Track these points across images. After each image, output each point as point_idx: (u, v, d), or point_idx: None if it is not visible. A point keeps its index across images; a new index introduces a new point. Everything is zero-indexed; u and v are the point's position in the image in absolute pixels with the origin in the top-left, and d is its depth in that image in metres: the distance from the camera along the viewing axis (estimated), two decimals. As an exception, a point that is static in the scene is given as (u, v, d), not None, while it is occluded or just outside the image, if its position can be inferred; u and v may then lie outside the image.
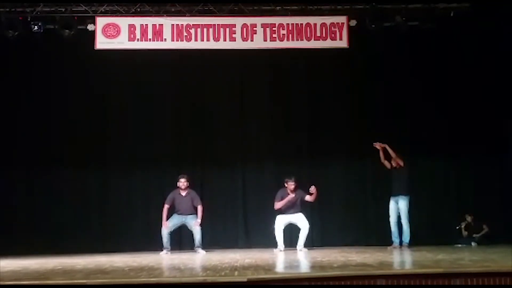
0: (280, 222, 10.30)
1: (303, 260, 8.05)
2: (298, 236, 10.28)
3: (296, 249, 10.12)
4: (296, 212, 10.34)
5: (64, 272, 6.80)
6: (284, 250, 10.05)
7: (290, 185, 10.34)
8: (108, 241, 10.97)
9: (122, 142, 11.51)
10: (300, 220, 10.28)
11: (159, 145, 11.53)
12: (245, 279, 5.63)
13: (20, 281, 5.91)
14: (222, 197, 11.47)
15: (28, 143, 11.25)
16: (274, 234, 10.28)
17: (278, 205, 10.32)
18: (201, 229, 10.27)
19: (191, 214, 10.30)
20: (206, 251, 10.05)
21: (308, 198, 10.31)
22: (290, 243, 10.50)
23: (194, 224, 10.20)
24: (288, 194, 10.35)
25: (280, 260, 8.20)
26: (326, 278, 5.83)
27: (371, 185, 11.57)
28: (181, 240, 10.89)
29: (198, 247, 10.15)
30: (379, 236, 11.05)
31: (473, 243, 10.66)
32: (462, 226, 10.99)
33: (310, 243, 11.03)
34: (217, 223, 11.19)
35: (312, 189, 10.20)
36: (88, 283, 5.70)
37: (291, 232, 10.65)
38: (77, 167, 11.30)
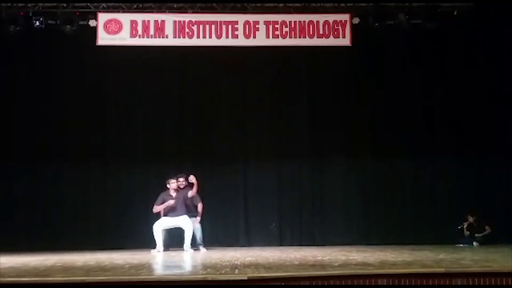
0: (161, 224, 10.02)
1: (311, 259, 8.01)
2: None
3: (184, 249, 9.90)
4: (180, 214, 10.06)
5: (64, 269, 6.77)
6: (163, 251, 9.80)
7: (172, 183, 10.14)
8: (108, 238, 10.95)
9: (122, 138, 11.49)
10: (183, 223, 10.02)
11: (160, 142, 11.50)
12: (245, 277, 5.61)
13: (20, 278, 5.88)
14: (223, 196, 11.43)
15: (28, 139, 11.21)
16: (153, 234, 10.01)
17: (156, 208, 10.10)
18: (202, 227, 10.25)
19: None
20: (206, 249, 10.02)
21: (190, 193, 10.06)
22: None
23: (194, 222, 10.14)
24: (169, 195, 10.12)
25: (283, 258, 8.15)
26: (327, 277, 5.81)
27: (372, 184, 11.53)
28: (181, 237, 10.85)
29: (200, 244, 10.12)
30: (380, 235, 11.05)
31: (474, 243, 10.63)
32: (464, 226, 10.95)
33: (311, 242, 11.05)
34: (218, 221, 11.16)
35: (191, 178, 9.92)
36: (88, 280, 5.67)
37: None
38: (77, 164, 11.26)
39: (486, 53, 11.33)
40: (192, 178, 9.93)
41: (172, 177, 10.24)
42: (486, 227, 10.86)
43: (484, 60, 11.38)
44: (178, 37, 10.55)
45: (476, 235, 10.82)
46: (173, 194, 10.19)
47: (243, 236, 11.29)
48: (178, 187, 10.25)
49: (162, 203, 10.12)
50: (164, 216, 10.11)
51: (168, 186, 10.20)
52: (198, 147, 11.55)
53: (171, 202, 10.04)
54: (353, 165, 11.60)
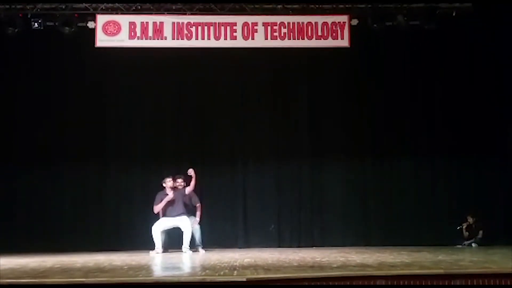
0: (160, 225, 9.97)
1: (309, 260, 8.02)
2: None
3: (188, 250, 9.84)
4: (178, 214, 10.02)
5: (62, 270, 6.78)
6: (162, 253, 9.75)
7: (168, 182, 10.07)
8: (107, 240, 10.95)
9: (121, 139, 11.48)
10: (182, 223, 9.97)
11: (159, 143, 11.50)
12: (244, 279, 5.62)
13: (19, 279, 5.88)
14: (222, 197, 11.41)
15: (27, 140, 11.21)
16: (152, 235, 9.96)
17: (157, 208, 10.05)
18: (200, 228, 10.23)
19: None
20: (205, 251, 10.01)
21: (187, 189, 10.03)
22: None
23: (193, 223, 10.13)
24: (166, 195, 10.07)
25: (282, 260, 8.16)
26: (326, 278, 5.81)
27: (372, 185, 11.52)
28: (180, 239, 10.85)
29: (198, 246, 10.10)
30: (379, 236, 11.04)
31: (473, 244, 10.63)
32: (463, 227, 10.94)
33: (310, 243, 11.04)
34: (216, 222, 11.13)
35: (190, 171, 9.93)
36: (87, 281, 5.68)
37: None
38: (76, 165, 11.26)
39: (485, 53, 11.33)
40: (191, 171, 9.94)
41: (168, 176, 10.21)
42: (480, 232, 10.83)
43: (483, 60, 11.37)
44: (177, 39, 10.55)
45: (468, 241, 10.78)
46: (170, 193, 10.18)
47: (242, 237, 11.26)
48: (177, 187, 10.23)
49: (161, 202, 10.11)
50: (163, 216, 10.10)
51: (164, 185, 10.17)
52: (197, 147, 11.53)
53: (170, 195, 10.01)
54: (353, 165, 11.58)
